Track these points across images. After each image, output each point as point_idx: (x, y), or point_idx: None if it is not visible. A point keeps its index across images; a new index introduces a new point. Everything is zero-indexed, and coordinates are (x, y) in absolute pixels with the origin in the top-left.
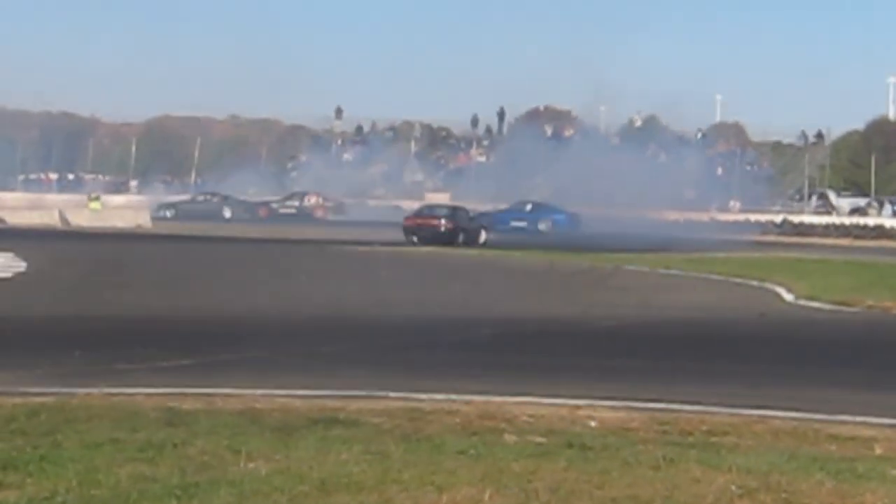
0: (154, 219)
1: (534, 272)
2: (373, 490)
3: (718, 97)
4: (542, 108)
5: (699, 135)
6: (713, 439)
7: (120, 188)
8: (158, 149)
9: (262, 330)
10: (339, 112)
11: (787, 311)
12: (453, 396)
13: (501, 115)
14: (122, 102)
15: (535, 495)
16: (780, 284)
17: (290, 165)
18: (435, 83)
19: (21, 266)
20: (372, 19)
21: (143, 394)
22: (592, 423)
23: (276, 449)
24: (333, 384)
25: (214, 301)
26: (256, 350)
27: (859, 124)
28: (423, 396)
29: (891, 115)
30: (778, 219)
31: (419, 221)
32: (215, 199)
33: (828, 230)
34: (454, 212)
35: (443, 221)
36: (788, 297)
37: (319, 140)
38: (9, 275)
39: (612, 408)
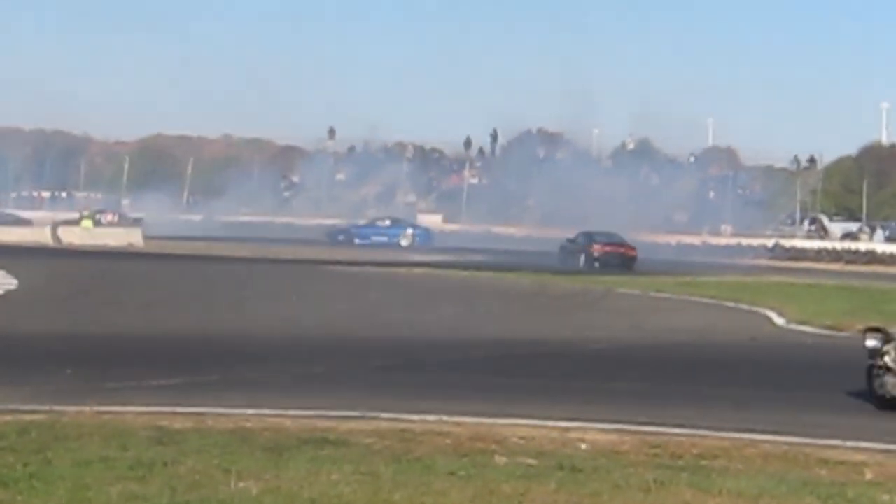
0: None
1: (525, 294)
2: None
3: (710, 121)
4: (534, 130)
5: (691, 158)
6: (704, 462)
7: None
8: (151, 167)
9: (253, 350)
10: (331, 132)
11: (778, 335)
12: (444, 417)
13: (494, 136)
14: (115, 121)
15: None
16: (772, 308)
17: (282, 185)
18: (428, 105)
19: (12, 283)
20: (365, 41)
21: (134, 412)
22: (583, 446)
23: (267, 468)
24: (324, 404)
25: (205, 320)
26: (247, 370)
27: (852, 149)
28: (415, 417)
29: (883, 140)
30: (770, 243)
31: (608, 249)
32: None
33: (819, 255)
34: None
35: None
36: (780, 321)
37: (313, 160)
38: (0, 292)
39: (603, 430)
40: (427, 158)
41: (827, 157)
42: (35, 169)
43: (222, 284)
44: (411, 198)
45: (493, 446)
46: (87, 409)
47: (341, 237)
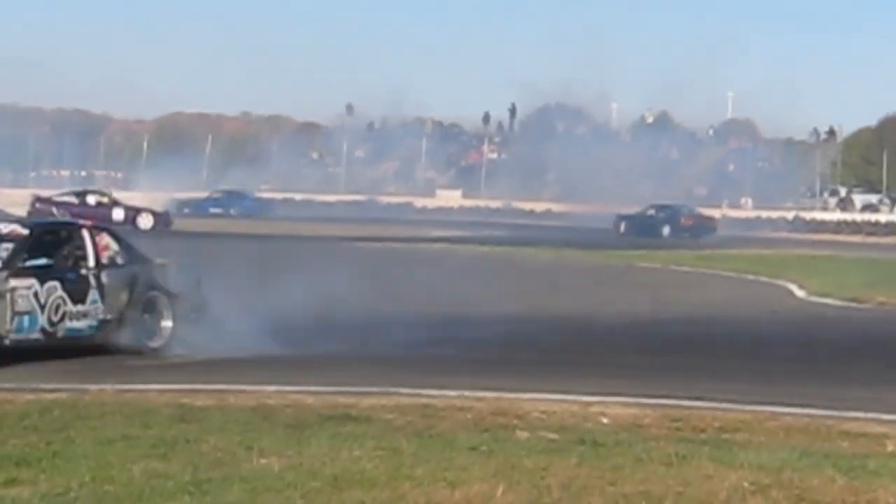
0: None
1: (546, 269)
2: (385, 486)
3: (730, 94)
4: (553, 104)
5: (710, 131)
6: (725, 436)
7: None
8: (170, 146)
9: (275, 326)
10: (349, 108)
11: (798, 307)
12: (465, 393)
13: (513, 111)
14: (133, 100)
15: (548, 491)
16: (792, 281)
17: (301, 162)
18: (447, 80)
19: None
20: (384, 17)
21: (156, 390)
22: (604, 420)
23: (289, 445)
24: (345, 381)
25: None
26: (269, 346)
27: (871, 121)
28: (436, 393)
29: None
30: (790, 215)
31: (691, 220)
32: None
33: (839, 227)
34: None
35: None
36: (800, 293)
37: (331, 136)
38: None
39: (625, 404)
40: (446, 134)
41: (846, 129)
42: (55, 148)
43: (240, 262)
44: (430, 174)
45: (515, 421)
46: (108, 387)
47: (186, 210)
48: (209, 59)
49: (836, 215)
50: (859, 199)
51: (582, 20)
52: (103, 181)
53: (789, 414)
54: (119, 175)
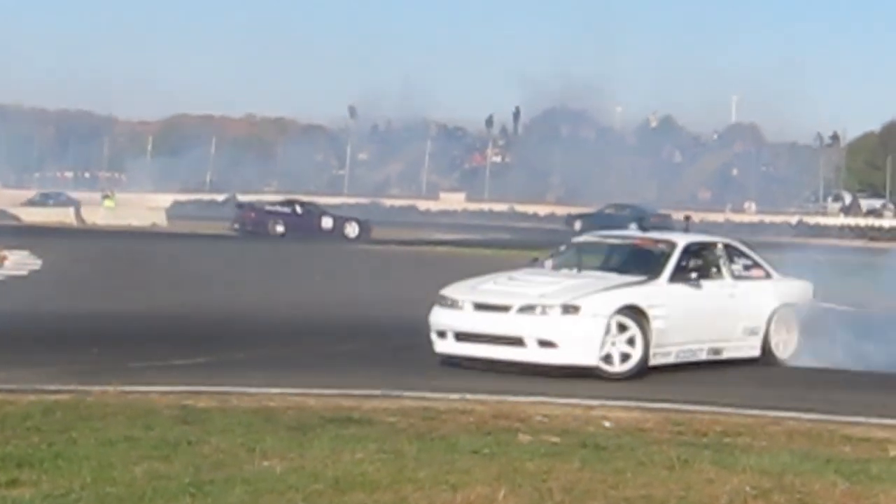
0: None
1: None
2: (387, 489)
3: (734, 98)
4: (557, 107)
5: (714, 135)
6: (727, 440)
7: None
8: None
9: (277, 329)
10: (352, 111)
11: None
12: (467, 396)
13: (517, 114)
14: (138, 101)
15: (550, 495)
16: None
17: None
18: (451, 83)
19: (36, 264)
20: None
21: (158, 392)
22: (607, 424)
23: (291, 447)
24: (348, 383)
25: (229, 299)
26: (271, 349)
27: (876, 126)
28: (438, 396)
29: None
30: (793, 220)
31: None
32: None
33: (843, 231)
34: None
35: None
36: None
37: (335, 139)
38: (24, 273)
39: (627, 408)
40: (450, 137)
41: (850, 134)
42: (59, 149)
43: (244, 264)
44: (434, 176)
45: (517, 424)
46: (111, 388)
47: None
48: (214, 60)
49: (840, 220)
50: (863, 203)
51: (586, 24)
52: (106, 182)
53: (791, 418)
54: (122, 176)
